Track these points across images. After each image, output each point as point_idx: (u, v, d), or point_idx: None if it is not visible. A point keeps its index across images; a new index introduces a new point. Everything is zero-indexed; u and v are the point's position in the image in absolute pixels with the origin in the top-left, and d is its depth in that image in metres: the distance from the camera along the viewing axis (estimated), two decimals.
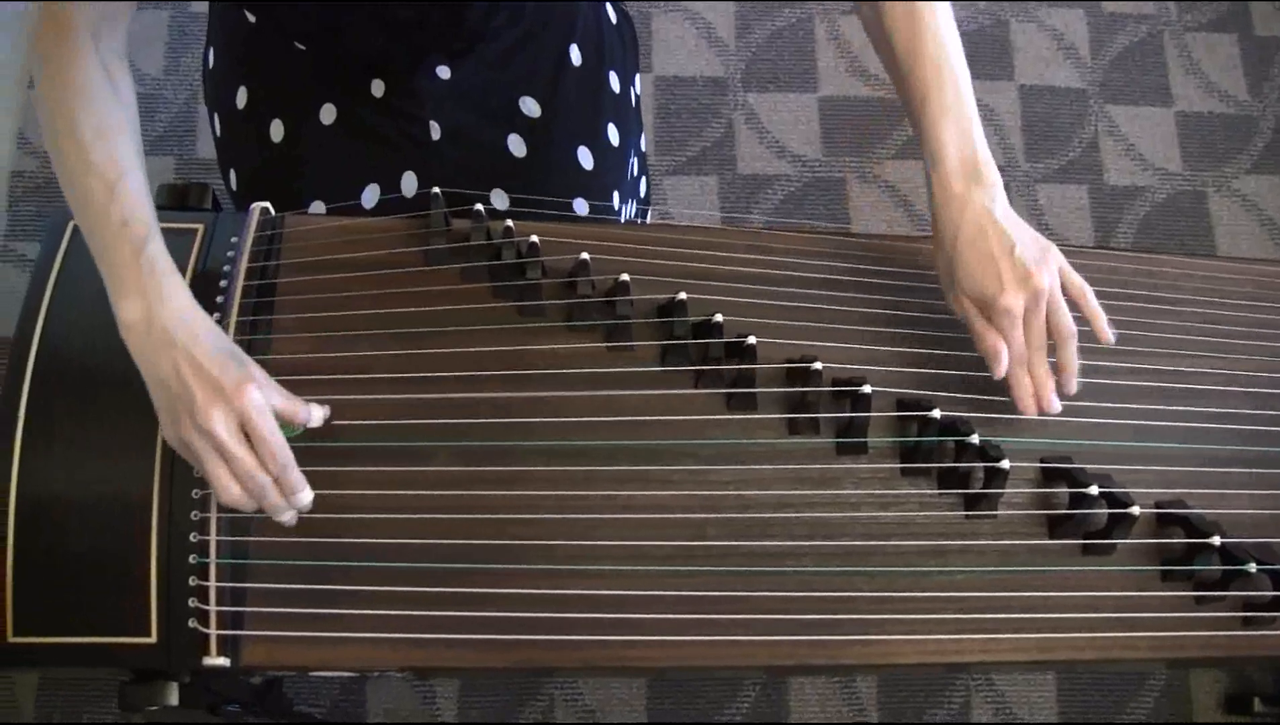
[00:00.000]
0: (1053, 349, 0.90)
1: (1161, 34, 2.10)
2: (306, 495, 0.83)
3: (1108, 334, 0.91)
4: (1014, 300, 0.87)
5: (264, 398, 0.79)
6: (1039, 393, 0.90)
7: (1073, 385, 0.91)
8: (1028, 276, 0.87)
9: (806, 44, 2.01)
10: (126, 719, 1.50)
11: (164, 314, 0.79)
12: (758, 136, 1.94)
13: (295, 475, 0.81)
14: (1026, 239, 0.89)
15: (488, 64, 1.09)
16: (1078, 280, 0.90)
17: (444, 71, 1.07)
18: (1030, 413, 0.91)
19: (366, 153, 1.08)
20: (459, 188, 1.02)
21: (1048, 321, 0.89)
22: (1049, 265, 0.88)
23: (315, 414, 0.85)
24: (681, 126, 1.93)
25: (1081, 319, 0.90)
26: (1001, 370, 0.89)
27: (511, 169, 1.10)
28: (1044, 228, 1.92)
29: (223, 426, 0.78)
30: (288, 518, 0.83)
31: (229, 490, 0.79)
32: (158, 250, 0.81)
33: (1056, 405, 0.91)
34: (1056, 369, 0.90)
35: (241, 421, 0.78)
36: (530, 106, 1.11)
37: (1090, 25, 2.09)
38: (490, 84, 1.09)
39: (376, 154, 1.08)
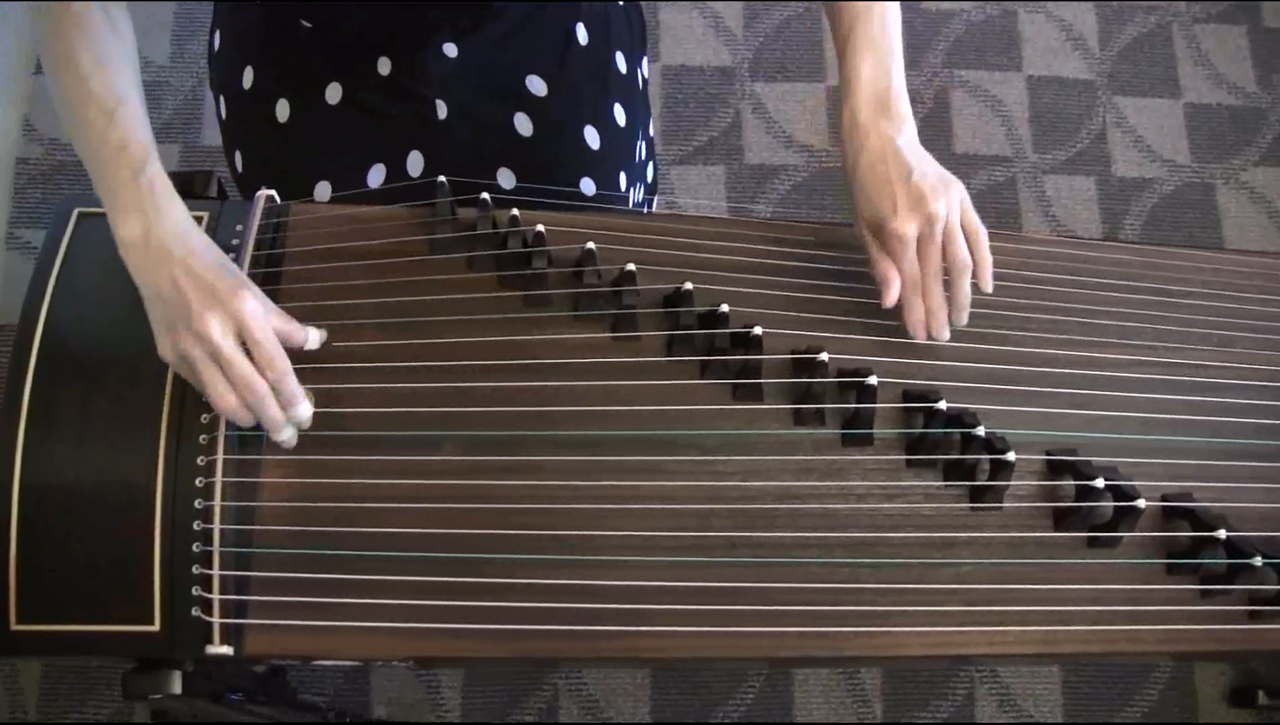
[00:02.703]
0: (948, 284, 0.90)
1: (1170, 25, 2.09)
2: (305, 408, 0.82)
3: (988, 284, 0.91)
4: (906, 225, 0.87)
5: (260, 306, 0.79)
6: (930, 320, 0.90)
7: (963, 317, 0.91)
8: (921, 201, 0.87)
9: (814, 34, 2.00)
10: (128, 710, 1.51)
11: (162, 230, 0.79)
12: (765, 126, 1.93)
13: (293, 384, 0.80)
14: (928, 169, 0.89)
15: (494, 42, 1.08)
16: (975, 220, 0.90)
17: (450, 50, 1.07)
18: (920, 339, 0.91)
19: (372, 132, 1.08)
20: (465, 167, 1.02)
21: (944, 252, 0.89)
22: (948, 195, 0.88)
23: (312, 336, 0.85)
24: (689, 116, 1.93)
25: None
26: (891, 298, 0.89)
27: (518, 148, 1.10)
28: (1051, 219, 1.92)
29: (218, 330, 0.77)
30: (287, 436, 0.83)
31: (225, 398, 0.79)
32: (156, 172, 0.81)
33: (945, 332, 0.91)
34: (949, 300, 0.90)
35: (238, 327, 0.78)
36: (537, 85, 1.11)
37: (1099, 16, 2.08)
38: (496, 63, 1.09)
39: (382, 133, 1.08)
